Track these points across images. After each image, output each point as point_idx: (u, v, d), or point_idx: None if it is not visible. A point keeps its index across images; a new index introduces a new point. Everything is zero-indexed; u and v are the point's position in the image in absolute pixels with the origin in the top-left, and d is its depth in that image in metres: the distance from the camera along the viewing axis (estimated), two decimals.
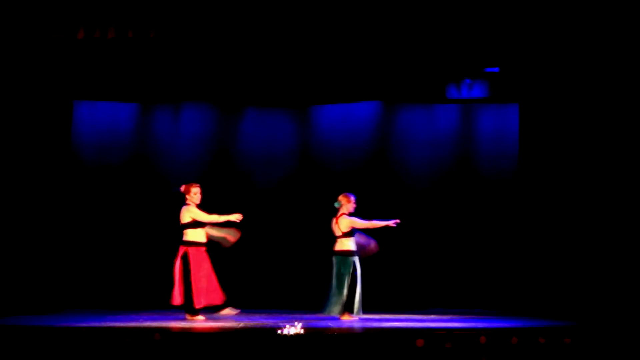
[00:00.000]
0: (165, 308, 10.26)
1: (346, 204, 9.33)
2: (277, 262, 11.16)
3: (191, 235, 9.23)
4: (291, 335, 7.24)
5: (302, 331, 7.35)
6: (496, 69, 10.71)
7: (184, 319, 9.00)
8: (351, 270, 9.16)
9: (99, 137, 11.26)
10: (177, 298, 9.12)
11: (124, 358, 7.02)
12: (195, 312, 9.06)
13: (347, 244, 9.24)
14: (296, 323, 7.53)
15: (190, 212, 9.26)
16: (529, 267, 10.41)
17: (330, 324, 8.56)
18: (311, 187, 11.32)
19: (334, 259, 9.24)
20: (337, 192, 11.16)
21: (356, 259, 9.24)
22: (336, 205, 9.36)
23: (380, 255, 9.62)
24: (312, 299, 10.91)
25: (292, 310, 10.50)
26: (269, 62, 10.44)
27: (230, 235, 9.38)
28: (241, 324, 8.32)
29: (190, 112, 11.41)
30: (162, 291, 10.82)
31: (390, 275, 10.89)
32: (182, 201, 9.37)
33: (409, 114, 11.44)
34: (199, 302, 9.05)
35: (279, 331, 7.30)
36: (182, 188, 9.38)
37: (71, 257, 10.83)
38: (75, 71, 10.43)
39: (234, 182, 11.34)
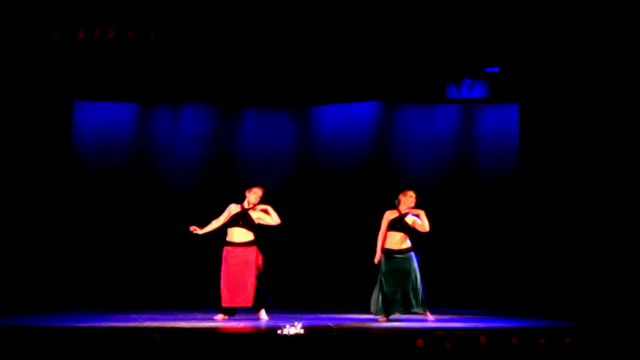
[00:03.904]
0: (165, 308, 10.28)
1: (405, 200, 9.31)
2: (277, 262, 11.14)
3: None
4: (291, 335, 7.23)
5: (302, 331, 7.36)
6: (496, 69, 10.70)
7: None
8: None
9: (99, 138, 11.25)
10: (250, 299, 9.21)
11: (124, 358, 7.02)
12: None
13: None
14: (296, 323, 7.53)
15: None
16: (529, 267, 10.41)
17: (330, 323, 8.56)
18: (311, 187, 11.33)
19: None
20: (337, 192, 11.21)
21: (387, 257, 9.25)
22: (396, 202, 9.33)
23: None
24: (312, 299, 10.96)
25: (292, 310, 10.49)
26: (269, 62, 10.43)
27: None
28: (241, 324, 8.32)
29: (190, 112, 11.40)
30: (161, 291, 10.87)
31: None
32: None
33: (409, 114, 11.44)
34: None
35: (279, 331, 7.30)
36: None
37: (71, 257, 10.83)
38: (75, 71, 10.42)
39: (234, 181, 11.33)
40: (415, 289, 9.07)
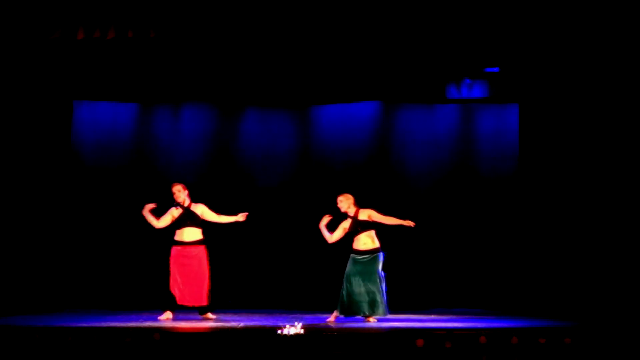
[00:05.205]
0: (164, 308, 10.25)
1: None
2: (277, 262, 11.16)
3: None
4: (291, 335, 7.24)
5: (302, 331, 7.36)
6: (496, 69, 10.71)
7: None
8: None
9: (99, 137, 11.25)
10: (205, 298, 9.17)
11: (124, 358, 7.02)
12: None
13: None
14: (296, 323, 7.53)
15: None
16: (529, 267, 10.41)
17: (331, 324, 8.55)
18: (311, 187, 11.32)
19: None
20: (338, 192, 11.18)
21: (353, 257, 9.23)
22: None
23: None
24: (312, 299, 10.95)
25: (292, 310, 10.49)
26: (270, 62, 10.44)
27: None
28: (241, 324, 8.32)
29: (190, 112, 11.40)
30: (161, 291, 10.84)
31: (390, 275, 10.88)
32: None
33: (409, 114, 11.43)
34: None
35: (279, 331, 7.30)
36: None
37: (71, 257, 10.83)
38: (75, 71, 10.43)
39: (234, 182, 11.33)
40: (376, 292, 9.01)
